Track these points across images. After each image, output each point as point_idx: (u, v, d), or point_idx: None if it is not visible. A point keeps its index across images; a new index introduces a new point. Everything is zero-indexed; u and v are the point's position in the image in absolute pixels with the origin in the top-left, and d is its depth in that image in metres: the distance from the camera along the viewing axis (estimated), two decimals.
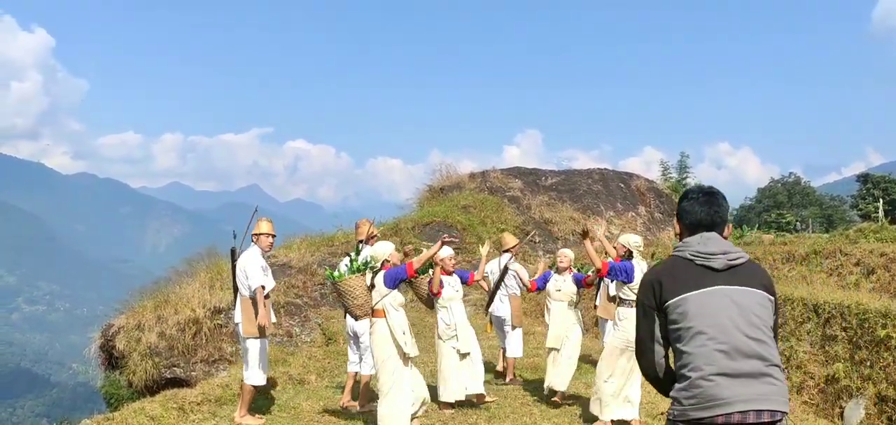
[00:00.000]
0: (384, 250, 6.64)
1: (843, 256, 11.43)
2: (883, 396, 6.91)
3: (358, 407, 7.77)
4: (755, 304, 2.96)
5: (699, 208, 3.16)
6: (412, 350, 6.40)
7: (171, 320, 12.65)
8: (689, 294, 2.95)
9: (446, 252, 7.84)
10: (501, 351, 9.76)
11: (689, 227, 3.18)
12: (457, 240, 7.86)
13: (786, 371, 8.17)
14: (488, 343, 11.71)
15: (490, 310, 9.45)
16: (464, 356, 7.75)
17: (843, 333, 7.81)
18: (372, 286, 6.35)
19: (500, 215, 21.64)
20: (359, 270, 6.45)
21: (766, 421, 2.82)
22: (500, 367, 9.62)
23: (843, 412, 7.24)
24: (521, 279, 9.13)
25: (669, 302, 2.98)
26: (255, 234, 7.47)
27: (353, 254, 6.86)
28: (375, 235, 8.17)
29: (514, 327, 9.42)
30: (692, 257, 3.03)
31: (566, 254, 8.42)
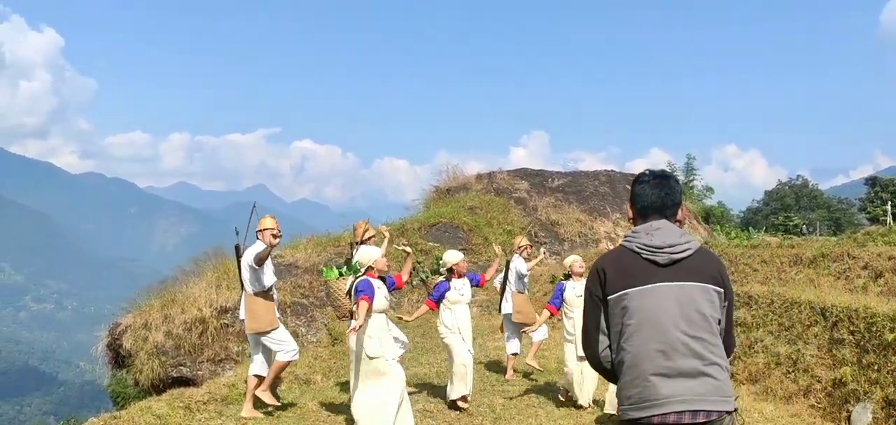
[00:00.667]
0: (369, 256, 6.52)
1: (850, 259, 11.38)
2: (891, 400, 6.87)
3: None
4: (698, 300, 2.92)
5: (650, 191, 3.12)
6: (383, 352, 6.22)
7: (177, 319, 12.69)
8: (630, 290, 2.94)
9: (457, 256, 7.96)
10: (530, 345, 9.73)
11: (640, 212, 3.14)
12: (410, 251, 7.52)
13: (791, 373, 8.14)
14: (495, 344, 11.71)
15: (501, 310, 9.64)
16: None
17: (851, 337, 7.77)
18: (350, 291, 6.35)
19: (507, 216, 21.62)
20: (341, 274, 6.52)
21: (701, 421, 2.80)
22: (530, 359, 9.57)
23: (850, 416, 7.20)
24: (519, 273, 9.45)
25: (610, 296, 2.99)
26: (259, 231, 7.50)
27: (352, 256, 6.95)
28: (372, 236, 8.15)
29: (520, 325, 9.41)
30: (638, 250, 3.00)
31: (579, 261, 8.32)
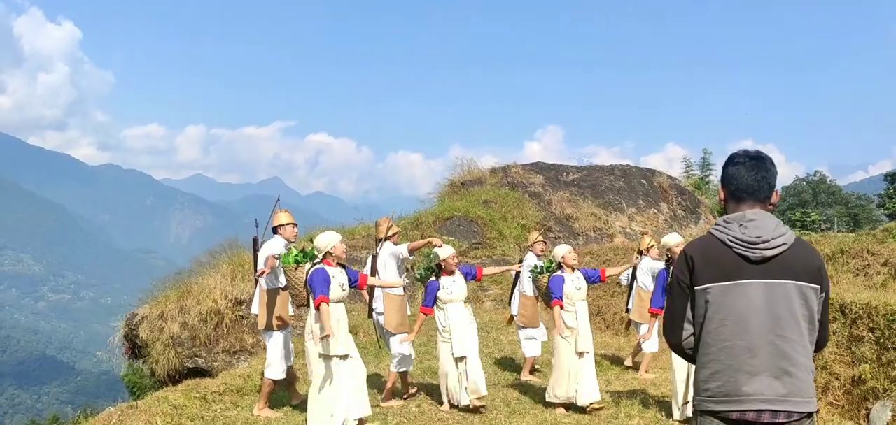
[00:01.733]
0: (326, 242, 6.27)
1: (870, 256, 11.25)
2: None
3: (381, 402, 7.73)
4: (790, 298, 2.86)
5: (745, 173, 3.00)
6: (336, 348, 6.03)
7: (193, 311, 12.76)
8: (717, 284, 2.90)
9: (444, 250, 7.46)
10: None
11: (734, 195, 3.03)
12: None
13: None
14: (509, 338, 11.69)
15: (511, 306, 9.53)
16: (458, 360, 7.21)
17: (870, 334, 7.68)
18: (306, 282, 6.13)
19: (521, 210, 21.56)
20: (298, 262, 6.25)
21: (781, 421, 2.80)
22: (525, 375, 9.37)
23: (869, 414, 7.13)
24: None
25: (698, 287, 2.94)
26: (278, 226, 7.52)
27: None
28: (397, 233, 8.11)
29: (521, 326, 9.22)
30: (730, 244, 2.91)
31: (572, 253, 7.71)
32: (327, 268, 6.11)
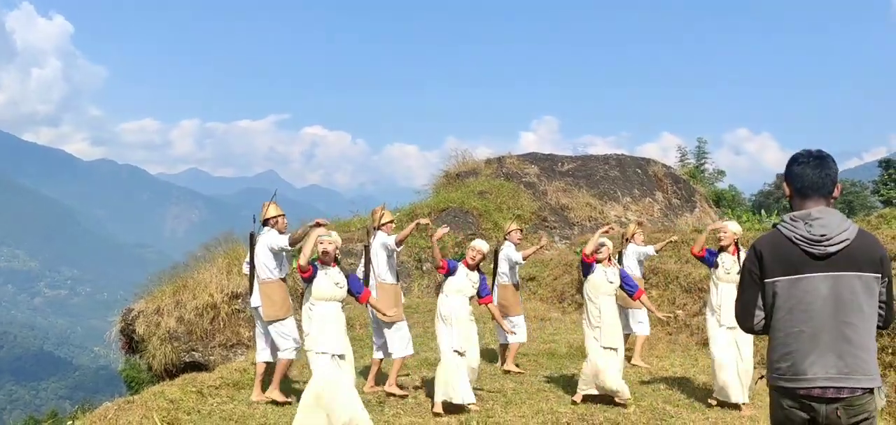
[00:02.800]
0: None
1: None
2: None
3: (384, 390, 7.80)
4: (852, 288, 3.18)
5: (810, 171, 3.30)
6: (327, 345, 5.85)
7: (189, 305, 12.76)
8: (785, 278, 3.24)
9: (481, 245, 7.39)
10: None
11: (800, 191, 3.33)
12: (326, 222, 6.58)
13: None
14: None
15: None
16: (458, 353, 7.01)
17: None
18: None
19: (516, 201, 21.59)
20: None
21: (845, 396, 3.14)
22: (509, 364, 9.35)
23: None
24: (511, 261, 9.28)
25: (767, 280, 3.29)
26: (268, 219, 7.61)
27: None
28: (390, 221, 8.17)
29: (506, 316, 9.11)
30: (797, 241, 3.23)
31: (609, 246, 7.57)
32: (319, 265, 6.04)
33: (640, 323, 9.59)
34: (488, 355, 10.04)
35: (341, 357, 5.93)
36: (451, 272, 7.21)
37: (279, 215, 7.62)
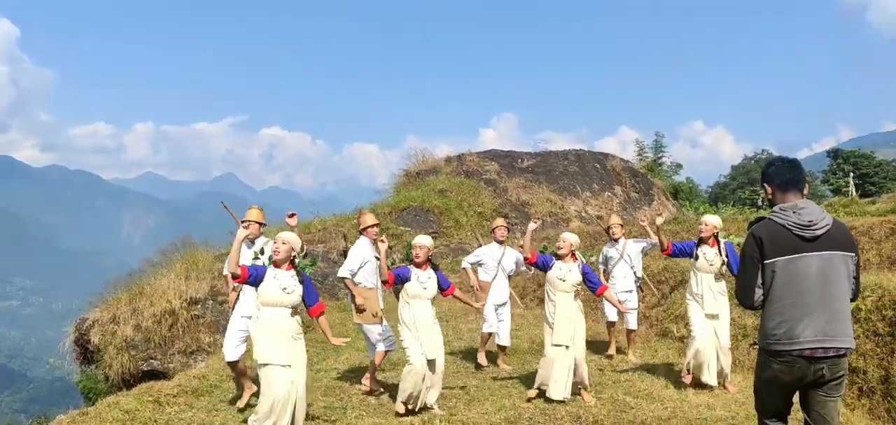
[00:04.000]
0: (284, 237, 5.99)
1: None
2: (853, 368, 7.04)
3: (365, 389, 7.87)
4: (835, 264, 3.91)
5: (786, 171, 4.10)
6: (274, 355, 5.61)
7: (146, 312, 12.55)
8: (782, 258, 3.92)
9: (424, 240, 7.09)
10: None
11: (781, 187, 4.09)
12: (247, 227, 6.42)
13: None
14: (469, 327, 11.75)
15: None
16: (428, 361, 6.78)
17: None
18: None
19: (477, 198, 21.65)
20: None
21: (831, 355, 3.86)
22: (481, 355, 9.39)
23: None
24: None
25: (767, 261, 3.97)
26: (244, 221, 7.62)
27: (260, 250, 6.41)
28: (374, 225, 8.18)
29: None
30: (790, 227, 3.94)
31: (568, 240, 7.47)
32: (272, 267, 5.81)
33: (633, 318, 9.62)
34: (455, 354, 10.06)
35: (288, 366, 5.63)
36: (401, 280, 6.92)
37: (250, 220, 7.55)
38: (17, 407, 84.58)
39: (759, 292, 4.03)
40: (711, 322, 7.60)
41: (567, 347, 7.18)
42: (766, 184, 4.17)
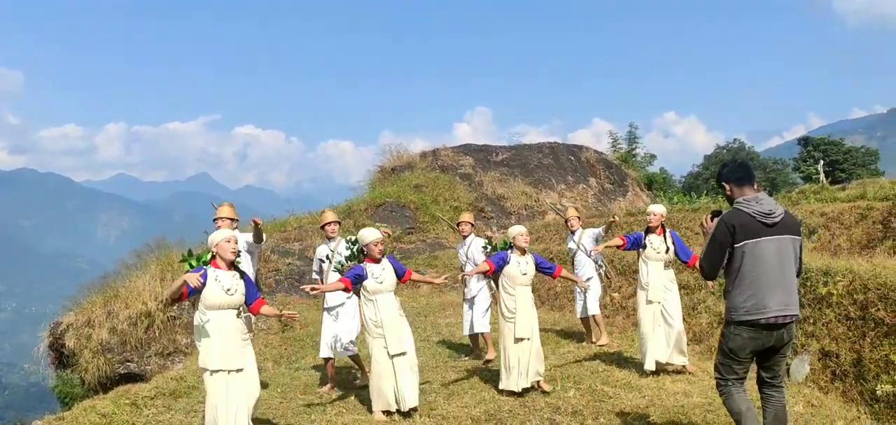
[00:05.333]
0: (213, 239, 5.67)
1: None
2: (826, 351, 7.14)
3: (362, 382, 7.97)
4: (788, 247, 4.66)
5: (740, 170, 4.88)
6: (220, 360, 5.38)
7: (122, 314, 12.42)
8: (750, 241, 4.61)
9: (370, 234, 6.79)
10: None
11: (737, 183, 4.81)
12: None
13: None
14: (446, 321, 11.77)
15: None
16: (393, 356, 6.58)
17: None
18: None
19: (453, 193, 21.68)
20: (190, 265, 5.69)
21: (789, 321, 4.62)
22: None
23: (789, 369, 7.46)
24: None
25: (737, 244, 4.64)
26: (216, 219, 7.68)
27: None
28: (330, 223, 8.36)
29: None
30: (755, 215, 4.64)
31: (522, 233, 7.54)
32: (212, 269, 5.51)
33: (592, 302, 9.78)
34: (434, 348, 10.07)
35: (239, 371, 5.45)
36: (359, 280, 6.67)
37: (221, 217, 7.67)
38: None
39: (721, 270, 4.77)
40: (657, 306, 7.78)
41: (528, 339, 7.28)
42: (724, 183, 4.89)
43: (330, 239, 8.41)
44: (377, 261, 6.74)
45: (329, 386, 8.10)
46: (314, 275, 8.62)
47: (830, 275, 7.58)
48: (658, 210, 8.12)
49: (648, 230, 8.03)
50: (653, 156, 37.83)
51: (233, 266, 5.64)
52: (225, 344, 5.38)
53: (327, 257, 8.21)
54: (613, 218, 9.64)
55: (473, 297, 9.19)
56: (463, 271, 9.18)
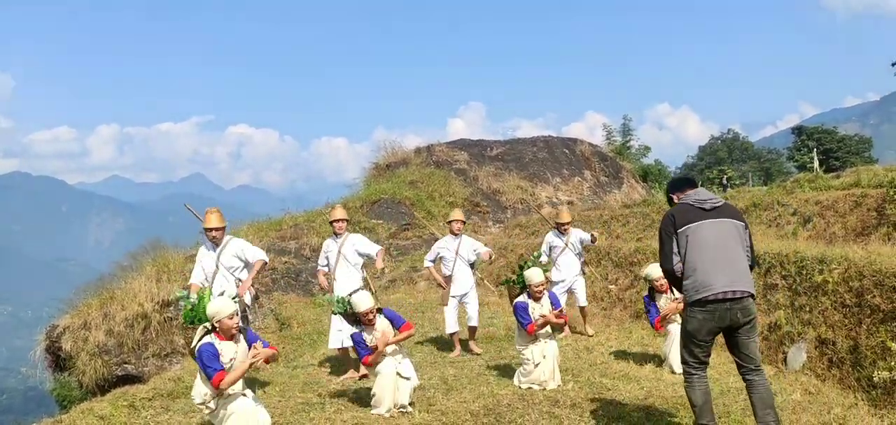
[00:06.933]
0: (217, 310, 5.29)
1: (780, 207, 11.76)
2: (823, 339, 7.16)
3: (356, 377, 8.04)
4: (731, 229, 4.94)
5: (682, 181, 5.58)
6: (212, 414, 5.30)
7: (118, 316, 12.40)
8: (691, 224, 4.93)
9: (364, 302, 6.59)
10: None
11: (679, 189, 5.36)
12: None
13: None
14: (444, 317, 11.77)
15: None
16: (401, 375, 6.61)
17: (783, 281, 8.06)
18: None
19: (448, 188, 21.67)
20: (191, 321, 5.59)
21: (738, 297, 4.77)
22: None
23: (786, 357, 7.49)
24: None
25: (679, 229, 4.96)
26: (207, 230, 7.94)
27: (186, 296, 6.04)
28: (338, 220, 8.49)
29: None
30: (693, 204, 5.04)
31: (539, 281, 7.38)
32: (217, 341, 5.26)
33: (582, 295, 10.24)
34: (431, 343, 10.08)
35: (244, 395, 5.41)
36: (365, 348, 6.63)
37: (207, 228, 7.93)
38: None
39: (676, 259, 4.97)
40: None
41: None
42: (671, 195, 5.43)
43: (337, 235, 8.49)
44: (372, 325, 6.63)
45: (351, 372, 8.17)
46: (321, 267, 8.79)
47: (826, 263, 7.60)
48: (658, 273, 7.80)
49: (654, 291, 7.98)
50: (647, 148, 37.89)
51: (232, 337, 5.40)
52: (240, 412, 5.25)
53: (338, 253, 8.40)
54: (593, 239, 10.23)
55: (467, 292, 9.30)
56: (443, 272, 9.32)
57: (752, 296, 4.85)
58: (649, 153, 38.04)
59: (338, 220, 8.49)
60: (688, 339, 4.98)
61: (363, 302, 6.59)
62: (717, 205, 5.00)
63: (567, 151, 26.58)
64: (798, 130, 50.76)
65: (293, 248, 16.58)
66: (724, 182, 40.79)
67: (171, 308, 12.58)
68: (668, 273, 5.07)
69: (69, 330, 12.52)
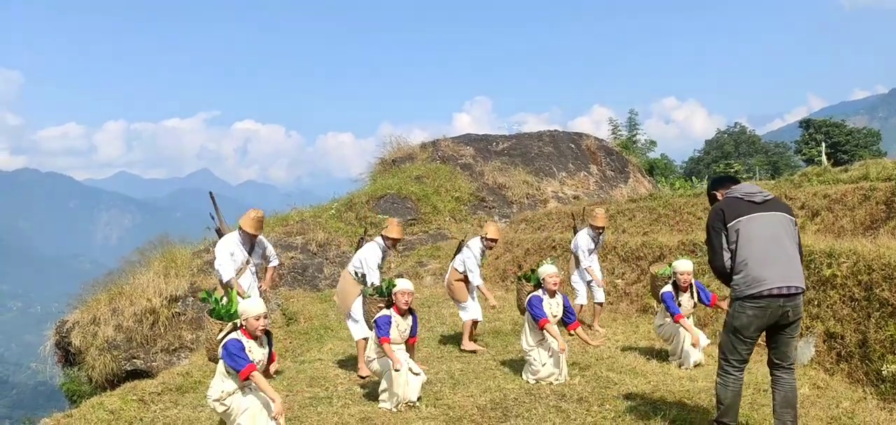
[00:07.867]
0: (249, 309, 5.36)
1: (788, 201, 11.71)
2: (831, 333, 7.15)
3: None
4: (783, 222, 4.83)
5: (725, 179, 5.40)
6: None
7: (127, 312, 12.46)
8: (742, 218, 4.79)
9: (406, 286, 6.89)
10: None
11: (724, 186, 5.21)
12: None
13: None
14: (451, 311, 11.78)
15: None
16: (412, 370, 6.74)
17: None
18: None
19: (454, 183, 21.68)
20: (220, 315, 5.68)
21: (793, 292, 4.68)
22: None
23: (794, 351, 7.47)
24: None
25: (729, 224, 4.82)
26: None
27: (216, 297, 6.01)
28: (393, 237, 8.26)
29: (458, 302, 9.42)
30: (741, 197, 4.91)
31: (552, 275, 7.47)
32: (244, 339, 5.30)
33: (599, 289, 10.25)
34: (438, 339, 10.09)
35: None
36: (386, 326, 6.75)
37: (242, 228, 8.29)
38: (2, 413, 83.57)
39: (726, 255, 4.83)
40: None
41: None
42: (715, 192, 5.29)
43: (386, 250, 8.21)
44: (403, 312, 6.88)
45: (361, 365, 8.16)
46: (373, 274, 7.96)
47: (834, 257, 7.57)
48: (686, 268, 7.89)
49: (677, 288, 7.91)
50: (653, 143, 37.82)
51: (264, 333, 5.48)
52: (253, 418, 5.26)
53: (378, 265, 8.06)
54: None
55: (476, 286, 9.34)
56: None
57: (804, 291, 4.74)
58: (655, 147, 37.96)
59: (396, 241, 8.34)
60: (734, 336, 4.82)
61: (408, 284, 6.99)
62: (768, 197, 4.88)
63: (573, 146, 26.52)
64: (806, 124, 50.51)
65: (299, 244, 16.62)
66: (745, 175, 40.66)
67: (179, 303, 12.63)
68: (718, 270, 4.90)
69: (78, 326, 12.58)
